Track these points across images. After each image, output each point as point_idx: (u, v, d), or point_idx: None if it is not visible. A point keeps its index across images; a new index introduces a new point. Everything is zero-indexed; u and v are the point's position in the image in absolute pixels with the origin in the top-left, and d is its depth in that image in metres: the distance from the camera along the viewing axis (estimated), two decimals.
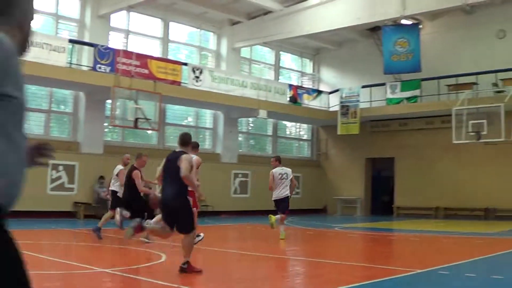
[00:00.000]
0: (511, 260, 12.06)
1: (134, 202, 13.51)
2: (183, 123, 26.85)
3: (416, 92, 26.90)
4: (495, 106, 22.69)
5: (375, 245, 15.73)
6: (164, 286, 7.96)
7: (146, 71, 22.11)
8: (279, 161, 15.97)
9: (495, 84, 24.67)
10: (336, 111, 28.94)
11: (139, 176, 13.60)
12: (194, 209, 10.60)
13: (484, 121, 22.86)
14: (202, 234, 12.50)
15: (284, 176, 15.59)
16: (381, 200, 31.00)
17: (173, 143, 25.82)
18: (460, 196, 25.93)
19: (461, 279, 9.06)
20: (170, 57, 25.41)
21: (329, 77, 32.74)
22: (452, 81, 25.84)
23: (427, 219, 25.02)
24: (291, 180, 15.59)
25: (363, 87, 28.44)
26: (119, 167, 14.58)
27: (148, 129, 22.62)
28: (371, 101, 28.34)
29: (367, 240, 17.26)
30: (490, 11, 26.48)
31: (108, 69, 20.93)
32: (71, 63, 20.71)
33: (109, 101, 21.43)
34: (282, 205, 15.36)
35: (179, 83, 23.32)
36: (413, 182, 27.11)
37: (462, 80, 25.61)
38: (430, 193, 26.19)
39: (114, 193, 14.36)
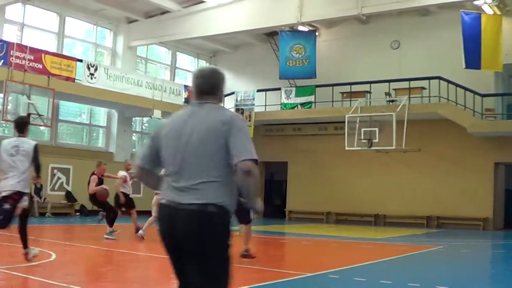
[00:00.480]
0: (399, 265, 12.54)
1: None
2: (77, 120, 26.43)
3: (311, 98, 27.53)
4: (387, 115, 23.67)
5: (266, 248, 15.83)
6: (51, 285, 7.86)
7: (40, 66, 21.65)
8: None
9: (388, 94, 25.67)
10: None
11: (95, 180, 15.05)
12: None
13: (376, 129, 23.78)
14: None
15: None
16: (273, 203, 31.60)
17: (65, 140, 25.42)
18: (351, 201, 26.79)
19: (350, 283, 9.28)
20: (65, 52, 24.91)
21: None
22: (346, 88, 26.62)
23: (318, 223, 25.66)
24: None
25: (259, 91, 28.84)
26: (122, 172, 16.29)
27: (40, 125, 22.14)
28: (266, 105, 28.74)
29: (259, 243, 17.41)
30: (385, 22, 27.62)
31: (1, 62, 20.35)
32: None
33: (0, 95, 20.83)
34: None
35: (73, 80, 22.96)
36: (306, 187, 27.72)
37: (356, 88, 26.45)
38: (322, 198, 26.89)
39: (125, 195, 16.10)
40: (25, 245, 9.13)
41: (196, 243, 4.07)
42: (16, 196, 8.76)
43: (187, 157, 4.08)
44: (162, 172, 4.29)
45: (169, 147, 4.18)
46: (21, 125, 9.40)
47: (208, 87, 4.30)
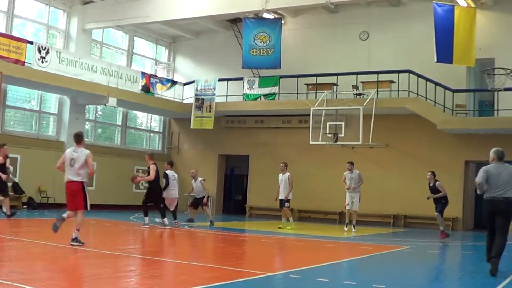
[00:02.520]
0: (364, 266, 12.55)
1: None
2: (26, 107, 25.95)
3: (274, 89, 27.53)
4: (354, 109, 23.76)
5: (225, 245, 15.78)
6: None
7: None
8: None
9: (356, 87, 25.78)
10: (190, 104, 29.07)
11: None
12: None
13: (342, 123, 23.88)
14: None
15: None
16: (233, 199, 31.57)
17: (13, 127, 24.94)
18: (315, 198, 26.89)
19: (312, 284, 9.21)
20: (14, 33, 24.41)
21: (184, 67, 32.86)
22: (312, 80, 26.71)
23: (280, 220, 25.61)
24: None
25: (220, 80, 28.77)
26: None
27: None
28: (227, 96, 28.67)
29: (218, 240, 17.38)
30: (354, 12, 27.73)
31: None
32: None
33: None
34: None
35: (23, 63, 22.53)
36: (268, 182, 27.48)
37: (322, 80, 26.54)
38: None
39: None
40: None
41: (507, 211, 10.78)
42: None
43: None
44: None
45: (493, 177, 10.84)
46: None
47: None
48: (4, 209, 18.96)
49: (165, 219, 18.78)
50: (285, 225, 21.40)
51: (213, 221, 21.33)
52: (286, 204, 21.44)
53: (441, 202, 18.48)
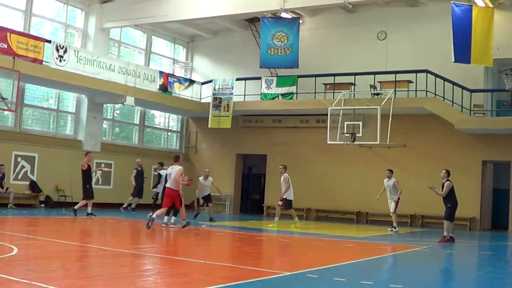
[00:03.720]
0: (381, 265, 12.55)
1: None
2: (44, 105, 26.08)
3: (292, 89, 27.47)
4: (371, 109, 23.69)
5: (243, 245, 15.76)
6: (12, 281, 7.60)
7: (5, 46, 21.27)
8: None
9: (373, 86, 25.67)
10: (208, 103, 29.08)
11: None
12: None
13: (360, 123, 23.80)
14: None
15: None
16: (251, 198, 31.56)
17: (31, 126, 25.10)
18: (333, 198, 26.82)
19: (329, 283, 9.19)
20: (32, 32, 24.56)
21: (202, 67, 32.89)
22: (330, 80, 26.63)
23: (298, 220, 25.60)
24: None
25: (238, 79, 28.75)
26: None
27: (4, 110, 21.78)
28: (245, 95, 28.66)
29: (235, 239, 17.39)
30: (372, 12, 27.65)
31: None
32: None
33: None
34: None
35: (41, 62, 22.63)
36: None
37: (339, 79, 26.44)
38: (302, 193, 26.53)
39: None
40: None
41: None
42: None
43: None
44: None
45: None
46: None
47: None
48: (89, 210, 20.77)
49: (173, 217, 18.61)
50: (294, 224, 21.74)
51: (213, 218, 22.31)
52: (279, 202, 22.13)
53: (446, 206, 18.25)
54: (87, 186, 20.74)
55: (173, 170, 16.99)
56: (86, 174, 20.82)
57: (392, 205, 21.58)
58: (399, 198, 21.48)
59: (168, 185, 17.12)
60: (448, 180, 18.14)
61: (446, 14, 22.39)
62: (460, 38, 21.63)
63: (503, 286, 9.74)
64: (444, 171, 18.45)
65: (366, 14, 27.92)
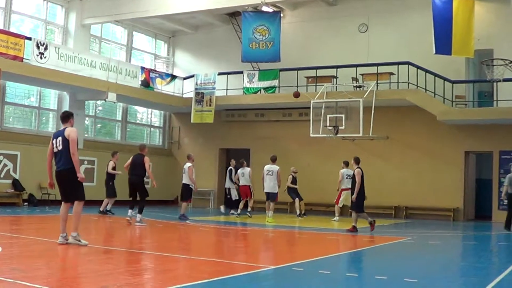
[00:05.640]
0: (366, 257, 12.63)
1: None
2: (25, 103, 25.92)
3: (274, 83, 27.49)
4: (354, 101, 23.77)
5: (228, 239, 15.84)
6: None
7: None
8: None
9: (355, 79, 25.76)
10: (190, 98, 29.04)
11: None
12: None
13: (343, 115, 23.92)
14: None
15: (270, 172, 22.08)
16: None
17: (12, 124, 24.94)
18: (317, 191, 26.82)
19: (315, 276, 9.21)
20: (12, 29, 24.40)
21: (184, 62, 32.83)
22: (312, 73, 26.69)
23: (282, 213, 25.63)
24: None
25: (220, 74, 28.73)
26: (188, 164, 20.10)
27: None
28: (227, 89, 28.65)
29: (220, 234, 17.41)
30: (353, 4, 27.76)
31: None
32: None
33: None
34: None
35: (21, 59, 22.49)
36: None
37: (321, 72, 26.49)
38: (285, 187, 26.78)
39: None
40: None
41: None
42: None
43: None
44: None
45: None
46: None
47: None
48: (108, 207, 21.66)
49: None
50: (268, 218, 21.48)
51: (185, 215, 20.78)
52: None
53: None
54: (110, 183, 21.27)
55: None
56: (111, 173, 21.37)
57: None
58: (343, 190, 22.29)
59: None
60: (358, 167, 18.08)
61: (427, 6, 22.43)
62: (441, 30, 21.69)
63: (488, 276, 9.82)
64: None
65: (347, 6, 28.00)
